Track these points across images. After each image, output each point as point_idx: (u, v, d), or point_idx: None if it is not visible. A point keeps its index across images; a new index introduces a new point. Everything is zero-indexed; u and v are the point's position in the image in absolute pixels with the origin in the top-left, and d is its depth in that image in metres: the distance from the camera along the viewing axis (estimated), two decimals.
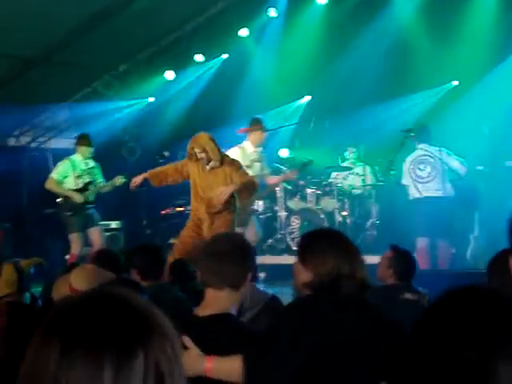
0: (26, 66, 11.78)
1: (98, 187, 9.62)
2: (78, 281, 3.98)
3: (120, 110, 13.23)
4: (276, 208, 10.73)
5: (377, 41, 11.02)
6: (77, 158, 9.73)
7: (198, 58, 12.39)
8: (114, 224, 11.71)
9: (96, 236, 9.61)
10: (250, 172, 8.88)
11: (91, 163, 9.81)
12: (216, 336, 2.71)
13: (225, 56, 12.61)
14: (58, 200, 9.67)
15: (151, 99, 13.37)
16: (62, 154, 13.84)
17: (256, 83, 12.04)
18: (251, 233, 8.78)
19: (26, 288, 5.29)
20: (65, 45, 11.19)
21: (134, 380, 1.08)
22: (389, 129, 10.86)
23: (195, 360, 2.56)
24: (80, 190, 9.52)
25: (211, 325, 2.75)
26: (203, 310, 2.84)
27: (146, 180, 8.12)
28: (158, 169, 8.20)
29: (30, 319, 4.34)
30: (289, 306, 2.91)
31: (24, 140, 14.01)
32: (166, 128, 12.90)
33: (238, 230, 8.91)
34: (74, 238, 9.47)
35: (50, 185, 9.62)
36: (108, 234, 11.03)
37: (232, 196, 7.75)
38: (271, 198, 10.80)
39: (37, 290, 5.96)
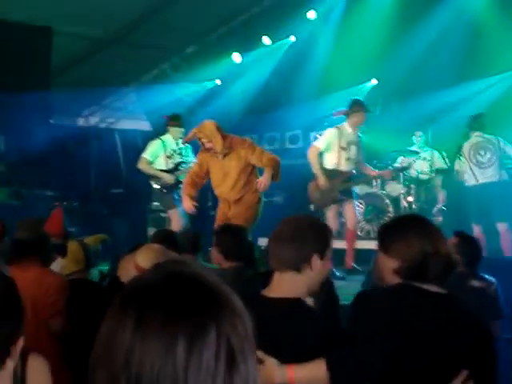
0: (96, 46, 11.97)
1: (189, 167, 9.58)
2: (144, 260, 4.03)
3: (187, 92, 13.32)
4: None
5: (447, 23, 10.78)
6: (168, 138, 9.75)
7: (266, 40, 12.39)
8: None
9: (176, 216, 9.60)
10: (345, 154, 8.75)
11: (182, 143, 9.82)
12: (280, 319, 2.69)
13: (292, 38, 12.57)
14: (150, 181, 9.73)
15: (218, 81, 13.43)
16: (129, 135, 14.12)
17: (322, 65, 11.95)
18: (330, 222, 8.62)
19: (93, 265, 5.40)
20: (134, 27, 11.32)
21: (206, 353, 1.10)
22: (457, 113, 10.66)
23: (275, 370, 2.49)
24: (171, 171, 9.57)
25: (277, 307, 2.74)
26: (269, 292, 2.84)
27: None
28: (188, 186, 8.11)
29: (96, 296, 4.42)
30: (371, 296, 2.86)
31: (93, 120, 14.25)
32: (232, 110, 12.93)
33: (330, 212, 8.89)
34: (173, 214, 9.49)
35: (141, 165, 9.65)
36: None
37: (251, 175, 7.71)
38: None
39: (103, 268, 6.07)
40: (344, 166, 8.80)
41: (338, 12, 11.79)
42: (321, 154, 8.82)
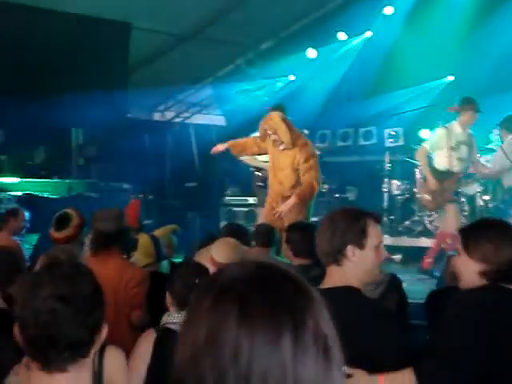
0: (173, 42, 12.12)
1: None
2: (219, 253, 4.09)
3: (262, 88, 13.36)
4: (414, 189, 10.52)
5: None
6: None
7: (341, 35, 12.32)
8: (251, 199, 11.82)
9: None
10: (455, 154, 8.48)
11: None
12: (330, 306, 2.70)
13: (368, 34, 12.47)
14: (253, 171, 9.69)
15: (292, 77, 13.42)
16: (203, 130, 14.27)
17: (397, 61, 11.83)
18: (450, 222, 8.41)
19: (163, 257, 5.48)
20: (211, 22, 11.42)
21: (308, 341, 1.14)
22: None
23: (367, 381, 2.54)
24: None
25: (327, 296, 2.76)
26: (322, 285, 2.87)
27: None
28: (239, 139, 8.15)
29: None
30: (462, 302, 2.82)
31: (168, 115, 14.44)
32: (306, 105, 12.89)
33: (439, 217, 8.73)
34: (261, 212, 9.47)
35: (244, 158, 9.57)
36: (246, 209, 11.21)
37: (298, 177, 7.50)
38: (410, 178, 10.62)
39: (177, 260, 6.16)
40: (456, 167, 8.57)
41: (415, 7, 11.63)
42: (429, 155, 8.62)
